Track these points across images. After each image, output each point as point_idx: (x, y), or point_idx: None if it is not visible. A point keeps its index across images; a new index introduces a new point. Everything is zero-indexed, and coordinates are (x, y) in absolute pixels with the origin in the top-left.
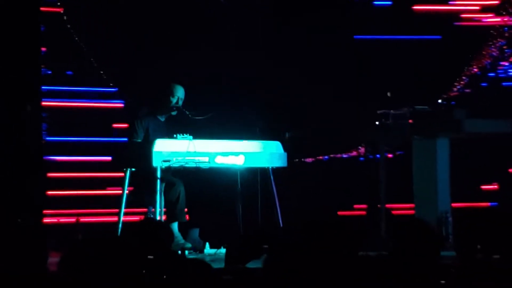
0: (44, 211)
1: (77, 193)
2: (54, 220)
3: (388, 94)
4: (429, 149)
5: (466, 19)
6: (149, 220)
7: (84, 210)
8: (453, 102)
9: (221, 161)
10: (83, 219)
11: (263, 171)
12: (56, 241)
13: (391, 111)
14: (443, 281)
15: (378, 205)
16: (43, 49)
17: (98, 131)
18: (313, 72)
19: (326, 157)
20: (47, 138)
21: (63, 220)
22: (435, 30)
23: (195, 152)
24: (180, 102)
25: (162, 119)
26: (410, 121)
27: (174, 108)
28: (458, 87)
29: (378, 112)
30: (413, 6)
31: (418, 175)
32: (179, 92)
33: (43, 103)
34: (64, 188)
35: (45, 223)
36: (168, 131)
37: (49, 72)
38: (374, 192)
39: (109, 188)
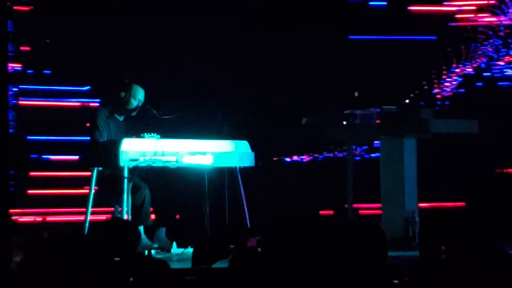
0: (15, 210)
1: (46, 192)
2: (30, 219)
3: (356, 93)
4: (396, 149)
5: (461, 19)
6: (116, 220)
7: (53, 209)
8: (422, 103)
9: (189, 160)
10: (51, 218)
11: (230, 171)
12: (24, 240)
13: (359, 111)
14: (396, 281)
15: (345, 205)
16: (27, 48)
17: (74, 130)
18: (285, 71)
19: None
20: (28, 137)
21: (38, 219)
22: (428, 30)
23: (162, 151)
24: (140, 104)
25: (121, 118)
26: (378, 121)
27: (135, 110)
28: (452, 87)
29: (346, 112)
30: (408, 6)
31: (385, 175)
32: (140, 95)
33: (22, 102)
34: (35, 187)
35: (20, 222)
36: (128, 130)
37: (31, 72)
38: (342, 192)
39: (86, 187)
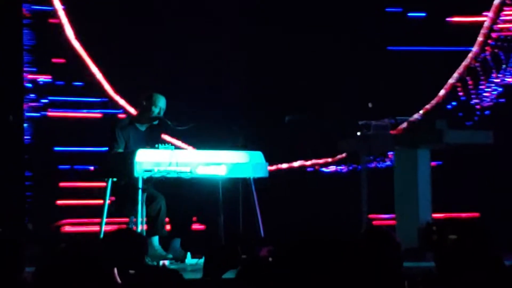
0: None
1: (74, 203)
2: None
3: (369, 105)
4: (411, 160)
5: (501, 29)
6: (122, 230)
7: (76, 219)
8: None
9: (203, 171)
10: (71, 229)
11: (245, 181)
12: (40, 250)
13: (373, 121)
14: None
15: (360, 216)
16: (62, 60)
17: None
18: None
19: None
20: (55, 149)
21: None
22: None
23: (176, 162)
24: (162, 112)
25: (143, 128)
26: (392, 132)
27: (156, 118)
28: (492, 97)
29: (360, 122)
30: (447, 17)
31: (399, 186)
32: (161, 102)
33: (51, 114)
34: (62, 197)
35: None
36: (148, 141)
37: (62, 83)
38: (356, 202)
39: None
